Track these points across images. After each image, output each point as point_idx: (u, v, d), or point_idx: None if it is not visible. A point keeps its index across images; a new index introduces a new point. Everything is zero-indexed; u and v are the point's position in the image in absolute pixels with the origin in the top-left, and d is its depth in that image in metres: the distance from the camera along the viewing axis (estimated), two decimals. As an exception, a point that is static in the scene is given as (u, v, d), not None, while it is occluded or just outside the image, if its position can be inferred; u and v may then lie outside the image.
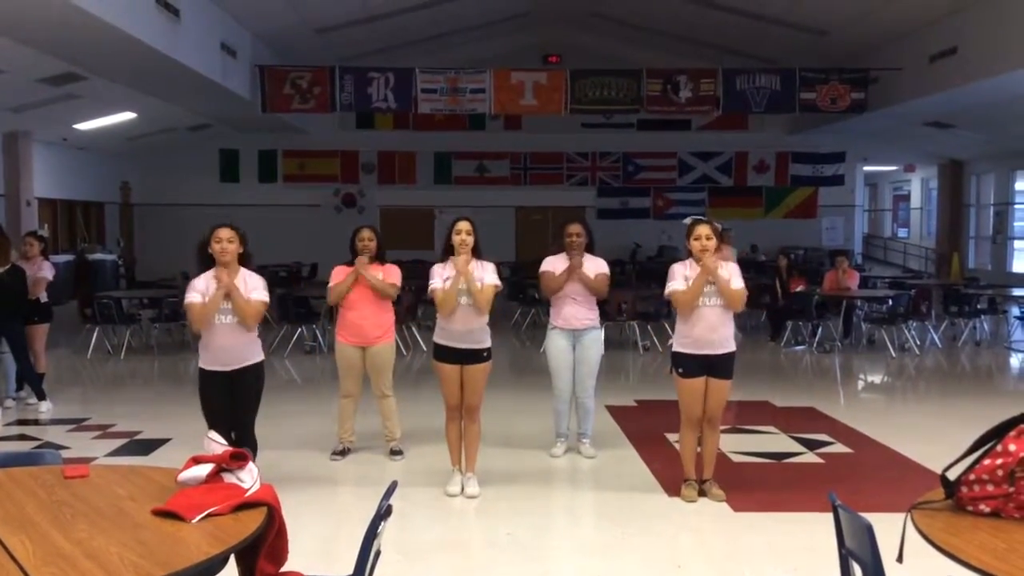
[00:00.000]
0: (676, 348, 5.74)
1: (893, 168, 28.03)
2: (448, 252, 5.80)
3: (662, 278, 5.87)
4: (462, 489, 5.92)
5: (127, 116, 17.07)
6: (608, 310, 10.73)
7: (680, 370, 5.69)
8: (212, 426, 5.43)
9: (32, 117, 15.29)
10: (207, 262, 5.32)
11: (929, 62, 14.50)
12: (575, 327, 6.69)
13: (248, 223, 5.74)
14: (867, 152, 23.07)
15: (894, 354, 12.10)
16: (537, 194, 22.48)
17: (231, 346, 5.32)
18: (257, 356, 5.47)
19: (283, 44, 16.32)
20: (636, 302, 12.64)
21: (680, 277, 5.63)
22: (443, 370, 5.84)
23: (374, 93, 15.74)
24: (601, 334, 6.84)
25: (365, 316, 6.62)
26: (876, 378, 11.20)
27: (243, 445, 5.34)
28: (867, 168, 25.04)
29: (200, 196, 21.24)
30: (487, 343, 5.86)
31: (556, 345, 6.79)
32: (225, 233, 5.27)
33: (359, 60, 16.92)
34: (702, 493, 5.82)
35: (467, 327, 5.74)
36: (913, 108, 16.15)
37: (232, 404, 5.40)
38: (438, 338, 5.86)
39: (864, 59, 16.41)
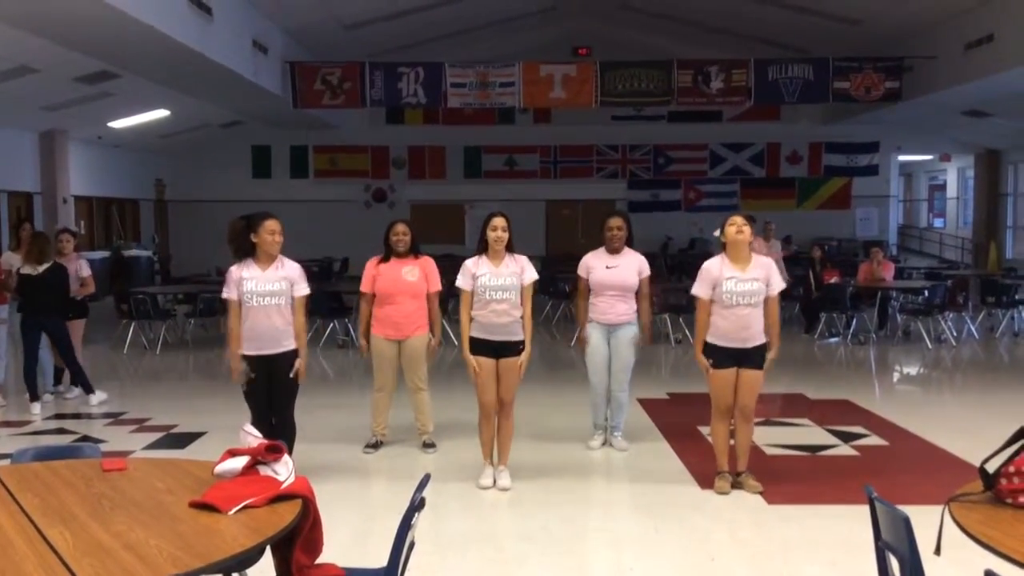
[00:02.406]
0: (707, 339, 5.73)
1: (928, 157, 27.62)
2: (483, 247, 5.82)
3: (694, 271, 5.85)
4: (494, 482, 5.94)
5: (160, 114, 17.26)
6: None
7: (710, 360, 5.68)
8: (256, 412, 5.52)
9: (67, 116, 15.50)
10: (247, 251, 5.40)
11: (965, 50, 14.27)
12: (611, 322, 6.68)
13: (280, 218, 5.81)
14: (902, 141, 22.75)
15: (930, 346, 11.96)
16: (567, 187, 22.40)
17: (270, 329, 5.43)
18: (294, 343, 5.58)
19: (313, 40, 16.40)
20: (668, 295, 12.59)
21: (707, 282, 5.65)
22: (478, 364, 5.84)
23: (404, 88, 15.76)
24: (636, 329, 6.80)
25: (400, 310, 6.66)
26: (912, 370, 11.07)
27: (283, 430, 5.43)
28: (902, 158, 24.69)
29: (233, 192, 21.40)
30: (522, 336, 5.86)
31: (591, 340, 6.79)
32: (279, 225, 5.43)
33: (388, 56, 16.95)
34: (736, 486, 5.80)
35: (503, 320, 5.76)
36: (949, 97, 15.91)
37: (271, 390, 5.50)
38: (474, 332, 5.86)
39: (898, 47, 16.18)
